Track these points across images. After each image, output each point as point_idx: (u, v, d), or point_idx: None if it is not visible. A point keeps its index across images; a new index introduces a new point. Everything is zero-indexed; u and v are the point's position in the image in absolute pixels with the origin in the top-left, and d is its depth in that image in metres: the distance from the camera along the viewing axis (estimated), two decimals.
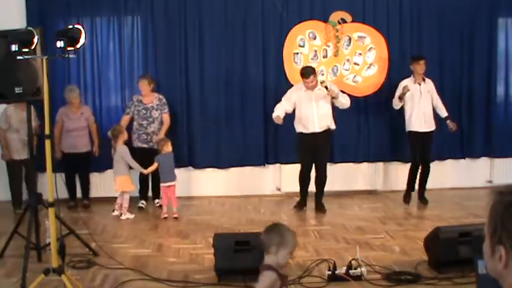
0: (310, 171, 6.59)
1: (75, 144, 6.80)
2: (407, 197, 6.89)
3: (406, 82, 6.69)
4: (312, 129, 6.38)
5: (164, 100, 6.82)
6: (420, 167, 6.82)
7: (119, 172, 6.41)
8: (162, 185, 6.49)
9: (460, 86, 7.51)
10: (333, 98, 6.33)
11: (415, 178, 6.87)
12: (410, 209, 6.72)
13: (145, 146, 6.72)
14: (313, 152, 6.48)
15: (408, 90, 6.54)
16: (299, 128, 6.47)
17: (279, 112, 6.37)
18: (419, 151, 6.74)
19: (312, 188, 6.67)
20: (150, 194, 7.03)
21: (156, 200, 6.89)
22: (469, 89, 7.52)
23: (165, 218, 6.35)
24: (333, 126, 6.52)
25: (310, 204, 6.69)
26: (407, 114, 6.75)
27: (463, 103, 7.52)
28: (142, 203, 6.84)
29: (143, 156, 6.52)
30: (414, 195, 6.92)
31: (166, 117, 6.83)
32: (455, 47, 7.43)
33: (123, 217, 6.35)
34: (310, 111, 6.37)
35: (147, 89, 6.68)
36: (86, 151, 6.88)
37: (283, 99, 6.49)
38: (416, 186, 6.94)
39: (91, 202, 6.99)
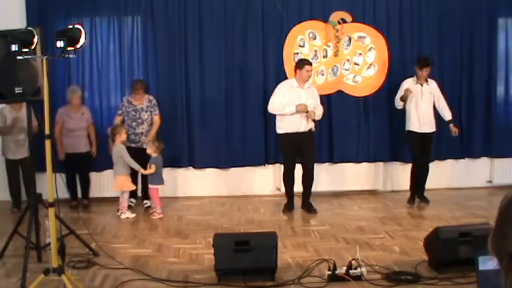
0: (294, 172, 6.54)
1: (76, 144, 6.80)
2: (411, 200, 6.88)
3: (408, 82, 6.68)
4: (300, 128, 6.35)
5: (154, 101, 6.79)
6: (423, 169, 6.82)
7: (118, 172, 6.42)
8: (153, 186, 6.48)
9: (460, 86, 7.52)
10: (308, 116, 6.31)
11: (419, 179, 6.83)
12: (410, 209, 6.71)
13: (133, 145, 6.71)
14: (299, 153, 6.43)
15: (411, 92, 6.53)
16: (284, 128, 6.37)
17: (293, 106, 6.22)
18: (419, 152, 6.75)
19: (298, 188, 6.63)
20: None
21: (145, 201, 6.84)
22: (469, 89, 7.53)
23: (161, 218, 6.38)
24: (313, 128, 6.50)
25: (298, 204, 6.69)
26: (408, 113, 6.75)
27: (463, 103, 7.52)
28: (131, 201, 6.83)
29: (131, 155, 6.50)
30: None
31: (156, 119, 6.79)
32: (455, 47, 7.44)
33: (122, 216, 6.35)
34: None
35: (141, 93, 6.67)
36: (86, 151, 6.89)
37: (275, 99, 6.34)
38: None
39: (91, 202, 7.00)
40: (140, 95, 6.68)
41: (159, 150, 6.50)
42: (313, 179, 6.58)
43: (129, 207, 6.69)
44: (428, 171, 6.85)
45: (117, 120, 6.75)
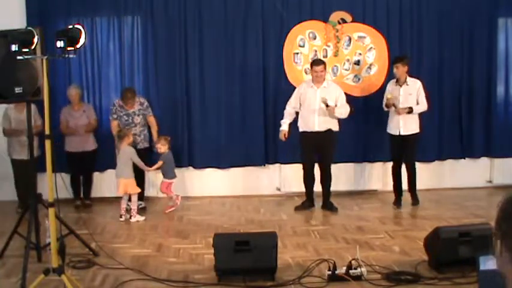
0: (313, 171, 6.58)
1: (78, 143, 6.78)
2: (396, 201, 6.73)
3: (390, 84, 6.60)
4: (314, 127, 6.38)
5: (146, 103, 6.76)
6: (405, 170, 6.65)
7: (123, 174, 6.32)
8: (166, 181, 6.64)
9: (460, 86, 7.51)
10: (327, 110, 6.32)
11: (399, 180, 6.70)
12: (410, 209, 6.69)
13: None
14: (317, 152, 6.48)
15: (393, 102, 6.38)
16: (302, 126, 6.47)
17: (285, 126, 6.51)
18: (399, 153, 6.58)
19: (317, 187, 6.65)
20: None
21: (139, 202, 6.76)
22: (469, 89, 7.52)
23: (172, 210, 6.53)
24: (335, 128, 6.48)
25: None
26: (389, 116, 6.63)
27: (463, 103, 7.52)
28: (140, 203, 6.81)
29: None
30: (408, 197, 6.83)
31: (152, 120, 6.79)
32: (455, 47, 7.43)
33: (133, 219, 6.25)
34: (313, 108, 6.36)
35: (132, 101, 6.62)
36: (90, 150, 6.86)
37: (292, 98, 6.54)
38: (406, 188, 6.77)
39: (92, 202, 6.98)
40: (131, 103, 6.64)
41: (169, 145, 6.60)
42: (328, 179, 6.58)
43: (143, 209, 6.73)
44: (414, 173, 6.61)
45: (114, 125, 6.70)
